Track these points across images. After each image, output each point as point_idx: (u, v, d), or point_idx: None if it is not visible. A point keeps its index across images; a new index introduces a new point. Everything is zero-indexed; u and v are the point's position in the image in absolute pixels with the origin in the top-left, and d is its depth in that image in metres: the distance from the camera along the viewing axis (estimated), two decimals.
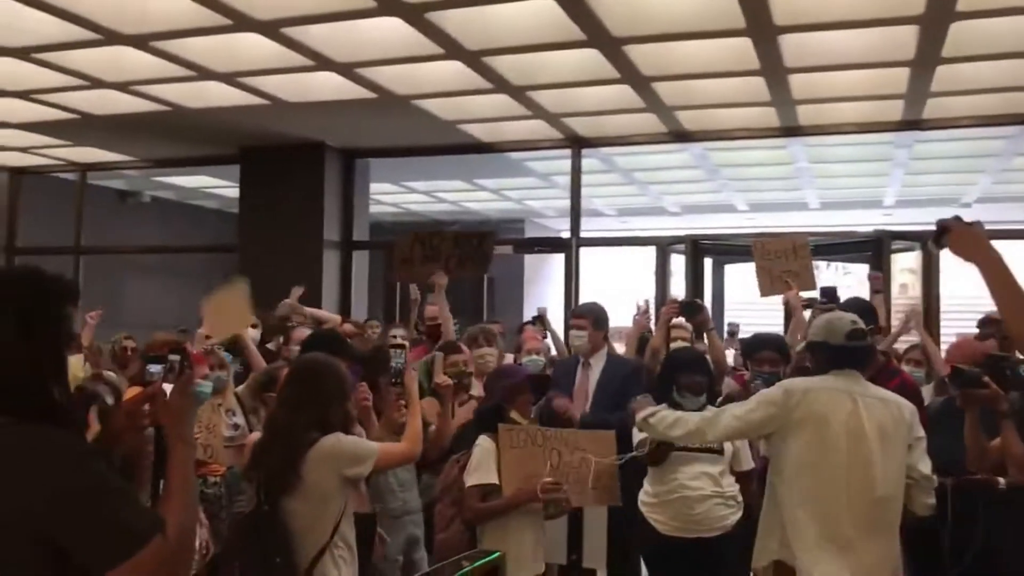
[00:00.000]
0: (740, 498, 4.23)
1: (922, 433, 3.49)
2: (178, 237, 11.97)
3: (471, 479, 3.71)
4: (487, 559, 2.96)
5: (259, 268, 8.02)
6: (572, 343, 5.09)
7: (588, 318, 4.96)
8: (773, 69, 6.49)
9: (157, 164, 10.40)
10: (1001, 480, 3.97)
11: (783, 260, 5.48)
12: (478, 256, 6.39)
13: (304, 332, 5.42)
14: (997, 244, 2.31)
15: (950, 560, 4.02)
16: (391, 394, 3.93)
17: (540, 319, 6.74)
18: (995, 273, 2.27)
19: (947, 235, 2.37)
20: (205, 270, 7.69)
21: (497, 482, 3.67)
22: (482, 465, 3.70)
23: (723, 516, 4.14)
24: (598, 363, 4.95)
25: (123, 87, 7.24)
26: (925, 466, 3.43)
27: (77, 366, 3.07)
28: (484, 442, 3.75)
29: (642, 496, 4.29)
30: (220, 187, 11.78)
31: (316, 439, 3.11)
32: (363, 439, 3.40)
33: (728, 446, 4.20)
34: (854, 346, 3.48)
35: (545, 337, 6.49)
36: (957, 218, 2.39)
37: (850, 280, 10.16)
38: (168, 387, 2.06)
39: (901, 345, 6.47)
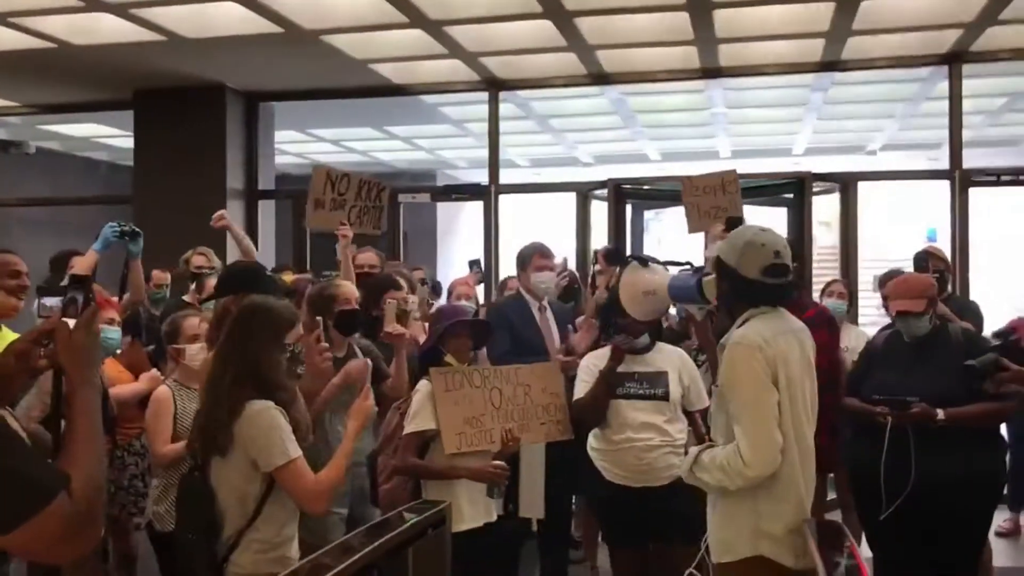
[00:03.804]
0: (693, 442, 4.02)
1: None
2: (67, 190, 11.23)
3: (409, 426, 3.48)
4: (432, 511, 2.74)
5: (157, 219, 7.55)
6: (542, 285, 4.91)
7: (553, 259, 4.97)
8: (699, 2, 6.31)
9: (44, 110, 9.61)
10: (940, 412, 3.96)
11: (712, 196, 5.47)
12: (374, 211, 6.00)
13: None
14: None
15: (887, 496, 4.00)
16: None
17: (477, 264, 6.56)
18: None
19: None
20: (99, 224, 7.19)
21: (436, 427, 3.45)
22: (421, 411, 3.47)
23: (673, 465, 3.83)
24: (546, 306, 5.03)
25: (2, 19, 6.60)
26: None
27: None
28: (424, 387, 3.52)
29: (591, 442, 4.12)
30: (111, 136, 11.06)
31: (248, 399, 2.76)
32: (288, 434, 2.77)
33: (676, 389, 4.03)
34: (772, 283, 2.92)
35: (480, 283, 6.30)
36: None
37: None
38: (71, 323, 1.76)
39: (822, 281, 6.52)
